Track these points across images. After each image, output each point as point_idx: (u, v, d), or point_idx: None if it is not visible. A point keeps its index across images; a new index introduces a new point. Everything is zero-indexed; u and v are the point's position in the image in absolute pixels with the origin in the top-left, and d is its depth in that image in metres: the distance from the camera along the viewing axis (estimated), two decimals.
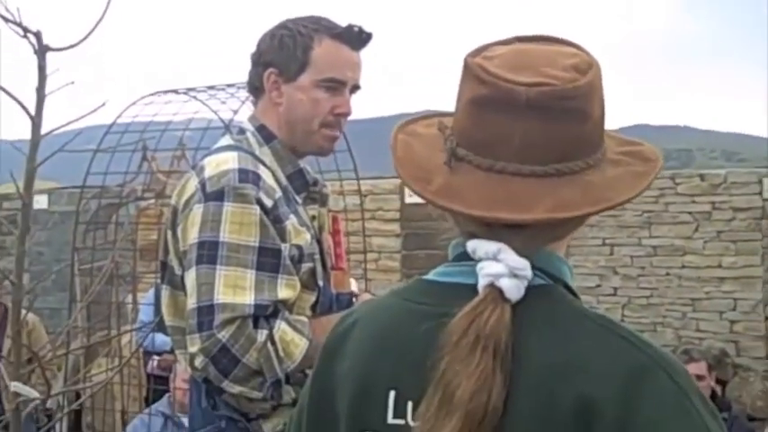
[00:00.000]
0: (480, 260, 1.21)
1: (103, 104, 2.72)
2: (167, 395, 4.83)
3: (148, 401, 5.58)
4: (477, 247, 1.22)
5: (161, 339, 5.45)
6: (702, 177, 8.07)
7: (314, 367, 1.43)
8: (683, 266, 7.96)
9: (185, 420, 4.62)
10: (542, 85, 1.18)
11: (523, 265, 1.18)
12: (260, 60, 2.39)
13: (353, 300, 2.43)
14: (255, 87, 2.43)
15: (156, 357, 5.89)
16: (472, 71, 1.23)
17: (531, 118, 1.18)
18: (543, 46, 1.27)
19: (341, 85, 2.35)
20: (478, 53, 1.27)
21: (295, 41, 2.34)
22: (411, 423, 1.20)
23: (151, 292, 5.95)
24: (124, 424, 5.37)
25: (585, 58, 1.24)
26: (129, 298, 5.61)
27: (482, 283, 1.19)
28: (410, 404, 1.22)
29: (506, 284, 1.17)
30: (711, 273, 7.88)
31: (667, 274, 8.03)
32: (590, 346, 1.14)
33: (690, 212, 8.02)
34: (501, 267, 1.18)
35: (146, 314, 5.81)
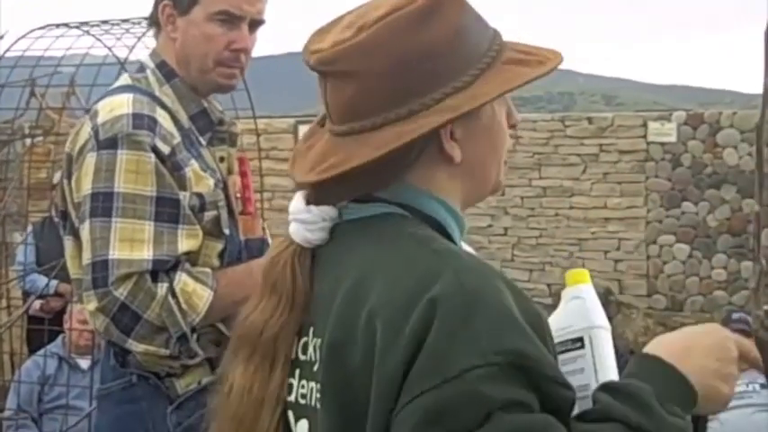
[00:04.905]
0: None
1: (2, 37, 2.63)
2: (62, 336, 4.75)
3: (29, 343, 5.51)
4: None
5: (42, 281, 5.36)
6: (590, 120, 8.26)
7: None
8: (571, 207, 8.18)
9: (80, 362, 4.57)
10: (317, 52, 1.21)
11: (299, 210, 1.26)
12: None
13: (266, 245, 2.29)
14: (154, 20, 2.26)
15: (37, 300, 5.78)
16: None
17: (323, 82, 1.23)
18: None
19: (237, 19, 2.19)
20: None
21: None
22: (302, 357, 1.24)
23: (29, 230, 5.81)
24: (13, 366, 5.27)
25: (385, 10, 1.19)
26: (17, 237, 5.47)
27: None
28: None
29: (293, 229, 1.27)
30: (597, 213, 8.12)
31: (556, 214, 8.24)
32: (395, 260, 1.16)
33: (578, 155, 8.21)
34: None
35: (23, 254, 5.67)
